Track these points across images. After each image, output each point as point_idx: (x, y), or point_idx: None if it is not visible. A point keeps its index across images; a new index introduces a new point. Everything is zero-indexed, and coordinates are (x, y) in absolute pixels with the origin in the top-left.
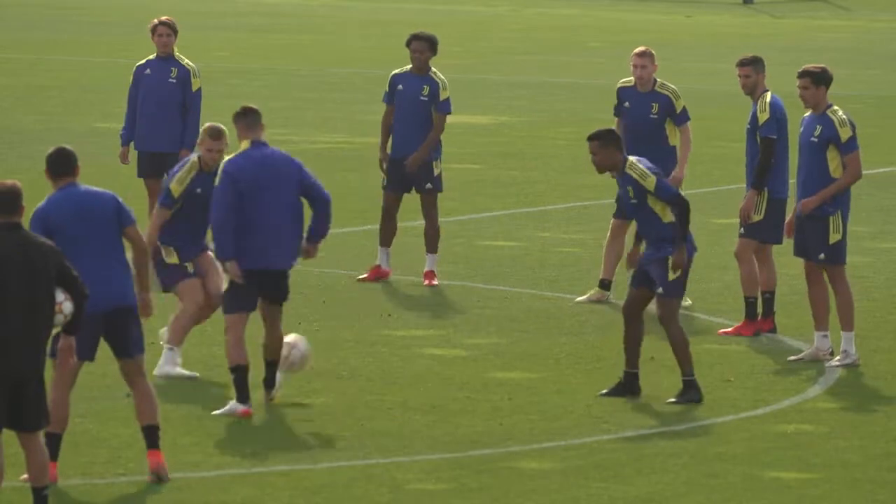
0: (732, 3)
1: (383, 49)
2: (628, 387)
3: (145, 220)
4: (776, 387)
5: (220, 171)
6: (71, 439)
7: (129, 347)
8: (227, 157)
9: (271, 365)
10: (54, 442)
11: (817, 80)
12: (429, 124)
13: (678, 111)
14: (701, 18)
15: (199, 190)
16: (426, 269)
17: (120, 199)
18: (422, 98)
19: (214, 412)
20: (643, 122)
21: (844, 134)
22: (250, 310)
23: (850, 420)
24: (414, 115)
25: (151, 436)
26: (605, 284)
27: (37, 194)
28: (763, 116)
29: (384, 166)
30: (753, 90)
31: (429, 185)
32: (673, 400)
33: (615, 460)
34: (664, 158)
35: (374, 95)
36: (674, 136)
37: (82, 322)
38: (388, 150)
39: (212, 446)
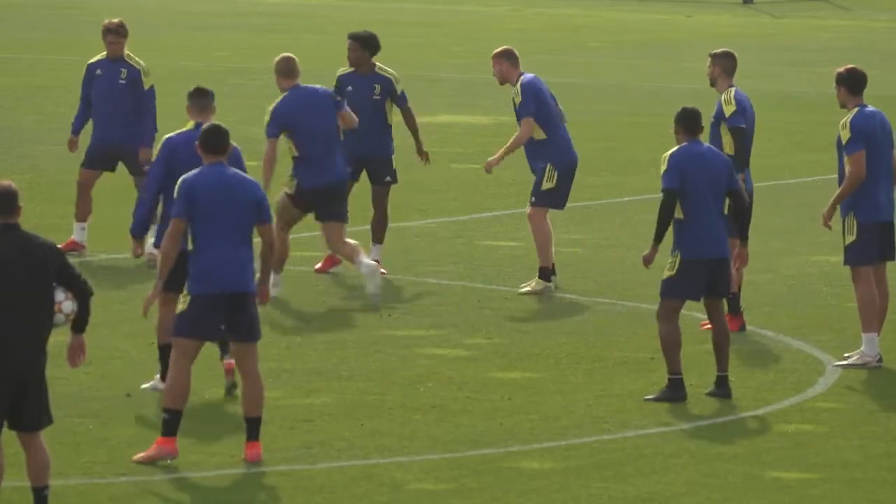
0: (733, 3)
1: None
2: (721, 390)
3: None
4: (776, 387)
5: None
6: (71, 439)
7: (245, 332)
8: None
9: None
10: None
11: (836, 80)
12: (386, 122)
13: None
14: (701, 18)
15: None
16: (373, 257)
17: (264, 193)
18: (374, 98)
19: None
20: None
21: (844, 136)
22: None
23: (850, 420)
24: (369, 115)
25: (252, 428)
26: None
27: (36, 194)
28: (729, 109)
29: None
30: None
31: (388, 178)
32: (651, 397)
33: (615, 460)
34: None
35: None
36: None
37: (88, 317)
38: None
39: (212, 446)
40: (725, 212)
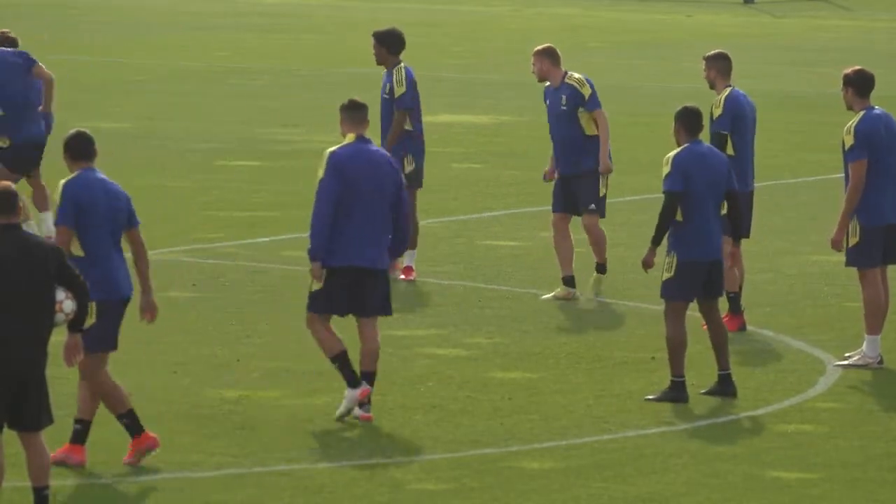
0: (733, 3)
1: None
2: (725, 388)
3: None
4: (777, 387)
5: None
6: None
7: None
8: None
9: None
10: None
11: (843, 81)
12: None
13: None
14: (701, 18)
15: None
16: (405, 264)
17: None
18: (384, 96)
19: (339, 411)
20: None
21: (847, 141)
22: (338, 312)
23: (850, 420)
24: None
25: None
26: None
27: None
28: (716, 112)
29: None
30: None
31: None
32: (652, 397)
33: (616, 460)
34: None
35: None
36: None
37: (86, 317)
38: None
39: (212, 446)
40: (723, 212)
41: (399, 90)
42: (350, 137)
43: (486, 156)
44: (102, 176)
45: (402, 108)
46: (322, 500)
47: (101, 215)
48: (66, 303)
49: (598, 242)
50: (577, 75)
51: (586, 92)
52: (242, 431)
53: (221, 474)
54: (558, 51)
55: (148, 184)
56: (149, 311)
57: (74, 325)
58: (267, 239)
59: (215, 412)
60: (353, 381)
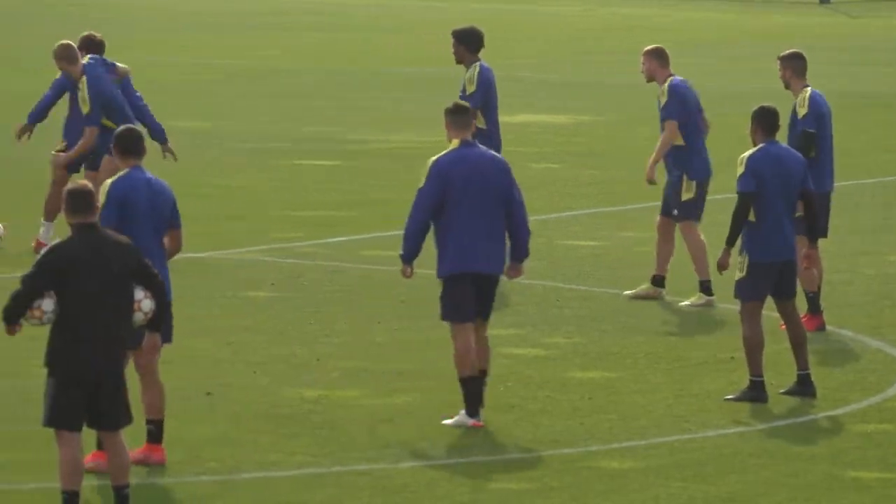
0: (809, 3)
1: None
2: (804, 388)
3: None
4: (856, 386)
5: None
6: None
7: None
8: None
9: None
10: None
11: None
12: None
13: None
14: (777, 19)
15: None
16: None
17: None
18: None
19: (445, 421)
20: None
21: None
22: (468, 318)
23: None
24: None
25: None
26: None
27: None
28: (801, 111)
29: None
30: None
31: None
32: (731, 396)
33: (695, 460)
34: None
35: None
36: None
37: (164, 316)
38: None
39: (292, 446)
40: (799, 213)
41: (470, 88)
42: (455, 143)
43: (565, 155)
44: (149, 175)
45: (472, 106)
46: (402, 500)
47: (142, 214)
48: (144, 302)
49: (691, 252)
50: (668, 83)
51: (663, 99)
52: (322, 431)
53: (301, 474)
54: (667, 51)
55: (225, 183)
56: None
57: (153, 324)
58: (345, 238)
59: (295, 412)
60: (472, 411)
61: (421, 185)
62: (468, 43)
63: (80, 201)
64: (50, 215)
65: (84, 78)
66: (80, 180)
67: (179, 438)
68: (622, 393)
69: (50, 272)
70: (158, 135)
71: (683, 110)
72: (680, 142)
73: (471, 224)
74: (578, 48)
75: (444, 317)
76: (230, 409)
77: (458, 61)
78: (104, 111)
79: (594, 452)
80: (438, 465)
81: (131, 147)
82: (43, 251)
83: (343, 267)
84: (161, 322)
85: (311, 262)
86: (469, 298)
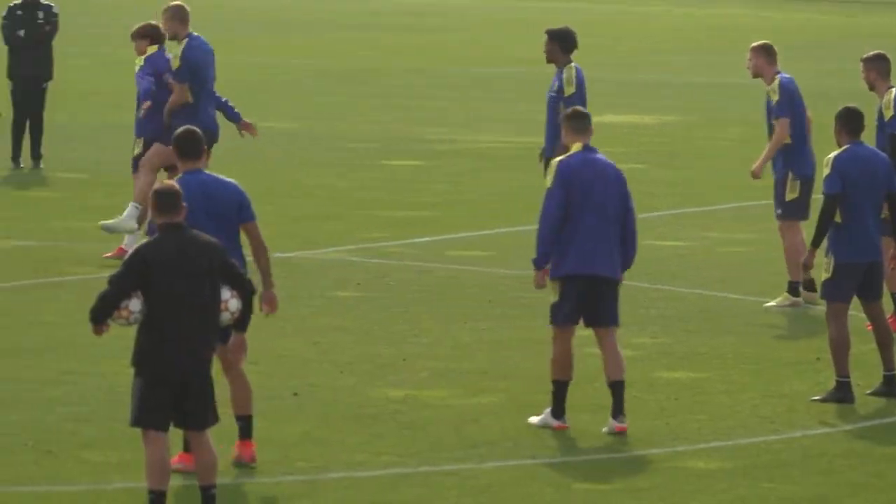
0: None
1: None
2: (891, 388)
3: None
4: None
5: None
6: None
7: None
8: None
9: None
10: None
11: None
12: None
13: None
14: (864, 19)
15: None
16: None
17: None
18: (551, 94)
19: (531, 419)
20: None
21: None
22: (574, 322)
23: None
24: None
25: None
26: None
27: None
28: (888, 113)
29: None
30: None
31: None
32: (818, 397)
33: (782, 460)
34: None
35: (524, 94)
36: None
37: (250, 315)
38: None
39: (379, 446)
40: (884, 214)
41: (569, 90)
42: (576, 147)
43: (649, 156)
44: (206, 176)
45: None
46: (488, 500)
47: (195, 216)
48: (231, 301)
49: (787, 251)
50: (778, 81)
51: (774, 97)
52: (409, 431)
53: (388, 474)
54: (774, 48)
55: (314, 183)
56: (267, 303)
57: (240, 323)
58: (431, 238)
59: (381, 412)
60: (558, 412)
61: (548, 186)
62: (563, 43)
63: (168, 201)
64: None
65: (186, 41)
66: (166, 181)
67: (267, 438)
68: (709, 393)
69: (137, 272)
70: (233, 114)
71: (792, 108)
72: (787, 140)
73: (592, 228)
74: (661, 48)
75: (554, 319)
76: (317, 409)
77: (550, 61)
78: (191, 75)
79: (681, 453)
80: (524, 465)
81: (188, 150)
82: (130, 251)
83: (429, 267)
84: (247, 322)
85: (397, 262)
86: (577, 305)
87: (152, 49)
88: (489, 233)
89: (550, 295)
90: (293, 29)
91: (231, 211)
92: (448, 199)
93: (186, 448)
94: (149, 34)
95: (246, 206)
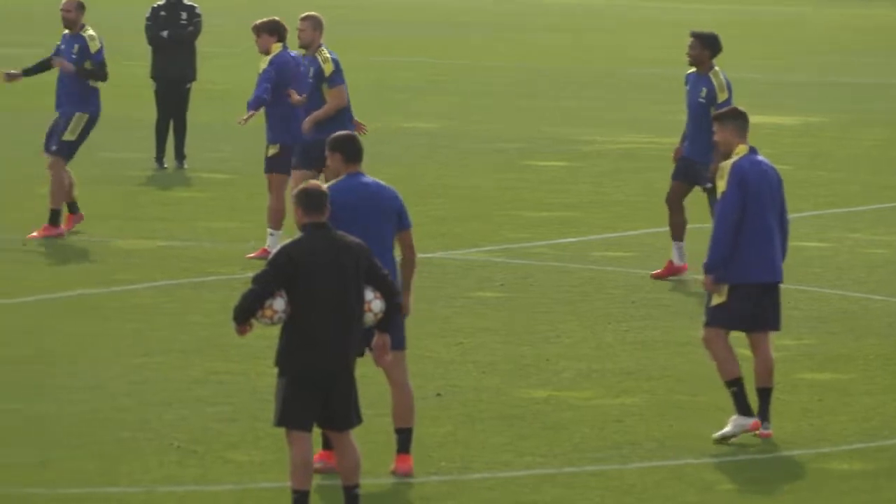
0: None
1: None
2: None
3: None
4: None
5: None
6: (382, 439)
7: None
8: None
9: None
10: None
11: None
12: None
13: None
14: None
15: None
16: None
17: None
18: (699, 100)
19: (714, 435)
20: None
21: None
22: (740, 328)
23: None
24: (695, 115)
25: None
26: None
27: None
28: None
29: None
30: None
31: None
32: None
33: None
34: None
35: (670, 95)
36: None
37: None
38: None
39: (522, 446)
40: None
41: (722, 96)
42: (742, 149)
43: (793, 156)
44: (366, 179)
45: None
46: (632, 501)
47: (355, 221)
48: (374, 303)
49: None
50: None
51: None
52: (552, 431)
53: (531, 474)
54: None
55: (457, 184)
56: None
57: (383, 324)
58: (574, 239)
59: (524, 412)
60: (745, 410)
61: (722, 189)
62: (712, 48)
63: (315, 201)
64: (275, 223)
65: (322, 47)
66: (312, 181)
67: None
68: (853, 394)
69: (282, 271)
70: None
71: None
72: None
73: (767, 231)
74: (805, 49)
75: (716, 321)
76: (460, 409)
77: (694, 63)
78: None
79: (824, 454)
80: (668, 466)
81: (352, 153)
82: (275, 250)
83: (572, 268)
84: (389, 322)
85: (540, 262)
86: (751, 310)
87: (277, 48)
88: (632, 233)
89: (714, 298)
90: (439, 28)
91: (391, 215)
92: (592, 200)
93: (326, 446)
94: (276, 30)
95: (405, 212)
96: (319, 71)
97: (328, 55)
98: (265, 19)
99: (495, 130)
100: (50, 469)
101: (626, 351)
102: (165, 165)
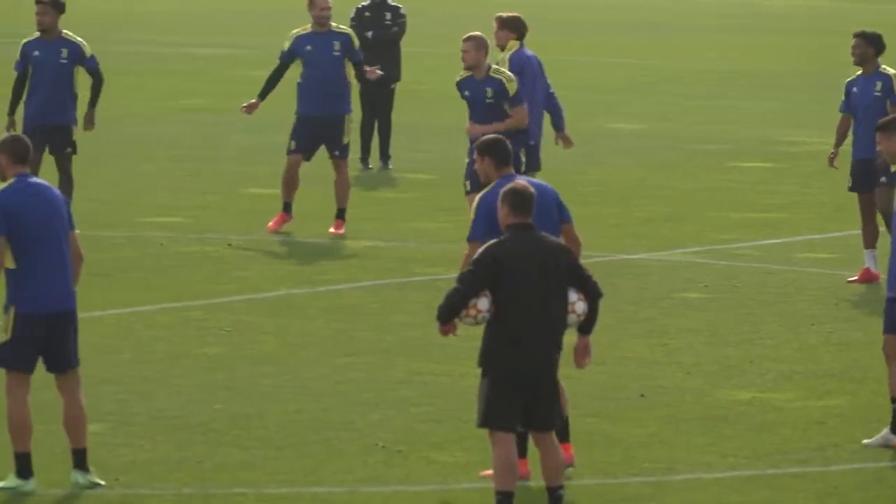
0: None
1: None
2: None
3: None
4: None
5: None
6: (585, 439)
7: None
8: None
9: None
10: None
11: None
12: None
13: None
14: None
15: None
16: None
17: None
18: (875, 94)
19: (865, 441)
20: None
21: None
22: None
23: None
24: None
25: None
26: None
27: None
28: None
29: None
30: None
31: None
32: None
33: None
34: None
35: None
36: None
37: (596, 318)
38: None
39: (725, 447)
40: None
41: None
42: None
43: None
44: (522, 179)
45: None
46: (834, 503)
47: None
48: (578, 304)
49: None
50: None
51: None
52: (755, 433)
53: (734, 475)
54: None
55: (660, 184)
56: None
57: (585, 326)
58: (779, 241)
59: (728, 413)
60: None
61: None
62: (878, 48)
63: (523, 201)
64: None
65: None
66: (519, 181)
67: (614, 439)
68: None
69: (487, 271)
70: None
71: None
72: None
73: None
74: None
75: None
76: (664, 410)
77: (860, 63)
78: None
79: None
80: (870, 469)
81: (503, 156)
82: (480, 250)
83: (776, 269)
84: (593, 325)
85: (744, 263)
86: None
87: (514, 45)
88: (836, 235)
89: None
90: (642, 29)
91: (551, 211)
92: (797, 201)
93: (520, 454)
94: (517, 28)
95: (563, 206)
96: (503, 90)
97: (511, 75)
98: (511, 14)
99: (700, 132)
100: (255, 469)
101: (830, 352)
102: (370, 166)
